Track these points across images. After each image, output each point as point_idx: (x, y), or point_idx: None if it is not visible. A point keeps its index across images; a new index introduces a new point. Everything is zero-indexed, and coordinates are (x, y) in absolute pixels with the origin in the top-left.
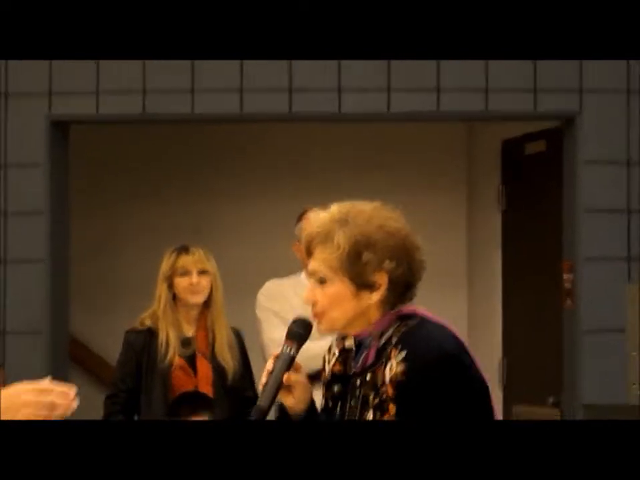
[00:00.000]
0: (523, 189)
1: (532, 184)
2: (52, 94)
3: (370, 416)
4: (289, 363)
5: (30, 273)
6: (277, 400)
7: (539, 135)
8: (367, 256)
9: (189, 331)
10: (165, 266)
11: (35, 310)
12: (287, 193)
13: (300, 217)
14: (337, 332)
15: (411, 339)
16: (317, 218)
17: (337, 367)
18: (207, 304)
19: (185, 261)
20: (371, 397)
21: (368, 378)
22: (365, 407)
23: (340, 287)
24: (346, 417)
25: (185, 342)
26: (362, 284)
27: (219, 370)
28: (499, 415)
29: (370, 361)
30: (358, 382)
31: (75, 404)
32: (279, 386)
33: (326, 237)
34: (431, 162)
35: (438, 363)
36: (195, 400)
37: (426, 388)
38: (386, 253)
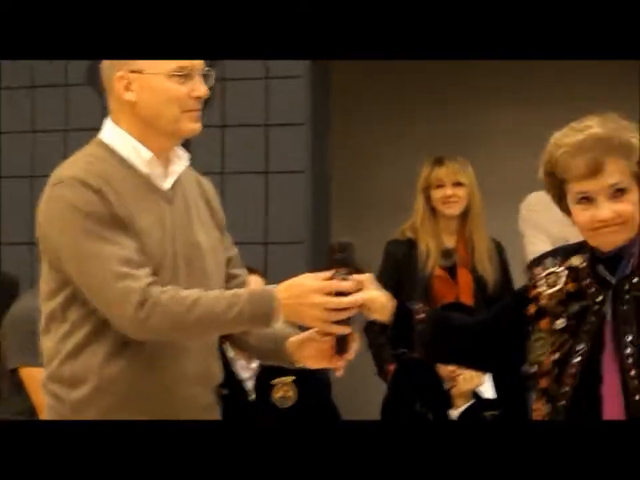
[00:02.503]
0: None
1: None
2: None
3: None
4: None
5: (292, 183)
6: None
7: None
8: None
9: (449, 242)
10: (421, 178)
11: (297, 220)
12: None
13: None
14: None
15: None
16: (588, 134)
17: (570, 286)
18: (465, 215)
19: (439, 172)
20: None
21: (635, 280)
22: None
23: (637, 193)
24: (615, 323)
25: (446, 253)
26: None
27: (479, 280)
28: None
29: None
30: (626, 286)
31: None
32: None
33: (620, 145)
34: None
35: None
36: (457, 310)
37: None
38: None
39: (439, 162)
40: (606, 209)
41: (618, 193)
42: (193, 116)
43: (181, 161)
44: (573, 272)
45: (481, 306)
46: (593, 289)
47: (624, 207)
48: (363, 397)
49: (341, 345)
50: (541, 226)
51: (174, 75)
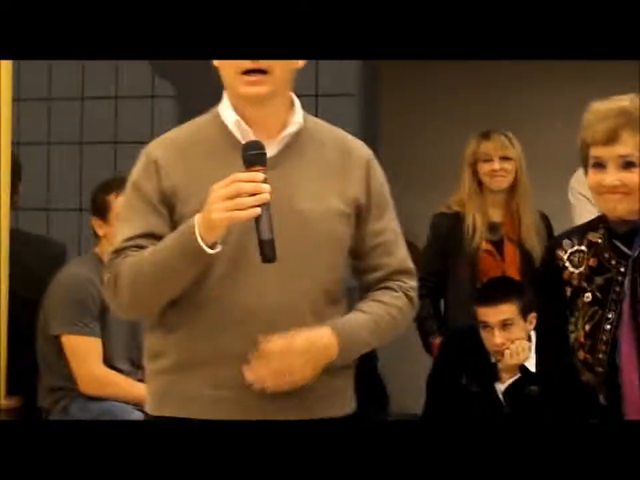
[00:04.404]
0: None
1: None
2: None
3: None
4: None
5: None
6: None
7: None
8: None
9: (496, 216)
10: (468, 151)
11: None
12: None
13: None
14: (632, 215)
15: None
16: (616, 105)
17: (592, 261)
18: (512, 189)
19: (486, 146)
20: None
21: None
22: None
23: None
24: (633, 294)
25: (492, 227)
26: None
27: (525, 255)
28: None
29: None
30: None
31: (267, 190)
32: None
33: (637, 120)
34: None
35: None
36: (503, 285)
37: None
38: None
39: (485, 135)
40: (612, 176)
41: (628, 165)
42: (248, 80)
43: (292, 126)
44: (592, 247)
45: (528, 280)
46: (614, 262)
47: (631, 177)
48: (410, 368)
49: (267, 248)
50: (590, 198)
51: None
